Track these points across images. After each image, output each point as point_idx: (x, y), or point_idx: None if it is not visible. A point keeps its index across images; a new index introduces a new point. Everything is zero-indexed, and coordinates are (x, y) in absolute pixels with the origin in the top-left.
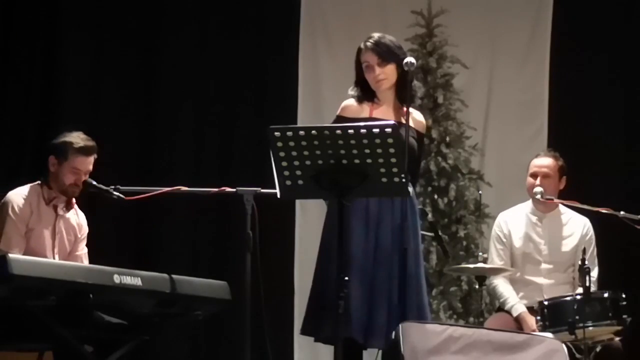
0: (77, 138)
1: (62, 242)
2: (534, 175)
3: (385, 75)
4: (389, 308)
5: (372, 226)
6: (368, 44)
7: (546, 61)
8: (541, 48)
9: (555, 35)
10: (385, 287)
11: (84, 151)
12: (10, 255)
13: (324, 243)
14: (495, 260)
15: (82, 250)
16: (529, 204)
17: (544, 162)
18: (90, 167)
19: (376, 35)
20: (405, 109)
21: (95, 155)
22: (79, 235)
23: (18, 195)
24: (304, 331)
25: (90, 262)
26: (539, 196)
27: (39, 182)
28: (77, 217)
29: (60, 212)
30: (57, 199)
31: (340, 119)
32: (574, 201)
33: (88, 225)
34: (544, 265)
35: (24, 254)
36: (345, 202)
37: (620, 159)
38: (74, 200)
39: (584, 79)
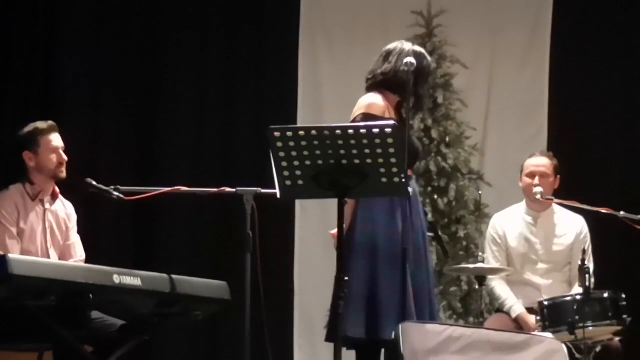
0: (37, 124)
1: (54, 237)
2: (532, 175)
3: None
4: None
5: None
6: None
7: (546, 61)
8: (541, 48)
9: (555, 35)
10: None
11: (51, 129)
12: (10, 255)
13: (380, 241)
14: (492, 262)
15: (74, 239)
16: (523, 205)
17: (541, 161)
18: (62, 143)
19: None
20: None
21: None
22: (70, 226)
23: (2, 199)
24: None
25: (90, 262)
26: (539, 196)
27: (19, 183)
28: (64, 208)
29: (47, 205)
30: (42, 192)
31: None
32: (574, 201)
33: (88, 225)
34: (540, 265)
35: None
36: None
37: (620, 159)
38: (57, 190)
39: (584, 79)
